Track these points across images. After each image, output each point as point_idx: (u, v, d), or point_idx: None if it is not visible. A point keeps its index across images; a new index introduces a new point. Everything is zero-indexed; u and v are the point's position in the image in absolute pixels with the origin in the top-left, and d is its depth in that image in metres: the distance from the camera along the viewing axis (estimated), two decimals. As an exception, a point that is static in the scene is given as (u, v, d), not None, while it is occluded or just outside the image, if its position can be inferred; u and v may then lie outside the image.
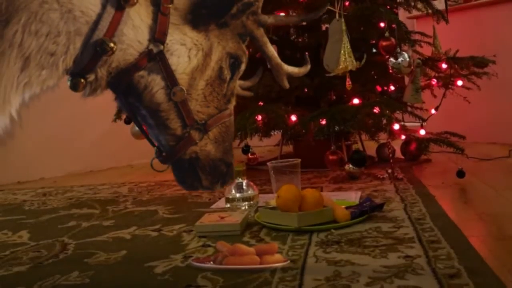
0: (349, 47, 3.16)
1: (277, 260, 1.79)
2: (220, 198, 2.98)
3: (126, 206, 3.05)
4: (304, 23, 4.32)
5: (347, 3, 3.63)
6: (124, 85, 1.53)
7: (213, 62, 1.59)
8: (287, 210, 2.24)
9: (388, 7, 4.03)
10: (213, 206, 2.83)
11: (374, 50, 3.92)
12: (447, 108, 3.98)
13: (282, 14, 1.59)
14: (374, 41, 3.92)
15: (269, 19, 1.70)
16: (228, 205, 2.68)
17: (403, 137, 3.89)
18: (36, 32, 1.40)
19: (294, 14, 4.23)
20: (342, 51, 3.13)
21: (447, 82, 4.02)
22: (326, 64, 3.21)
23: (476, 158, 3.81)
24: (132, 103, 1.57)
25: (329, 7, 3.09)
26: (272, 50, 1.72)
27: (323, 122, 3.53)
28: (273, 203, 2.36)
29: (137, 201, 3.19)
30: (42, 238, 2.38)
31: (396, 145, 3.99)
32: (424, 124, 3.97)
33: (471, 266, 1.64)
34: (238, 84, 1.75)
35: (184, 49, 1.54)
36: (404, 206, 2.52)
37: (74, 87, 1.50)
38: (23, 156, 4.28)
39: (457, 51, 4.07)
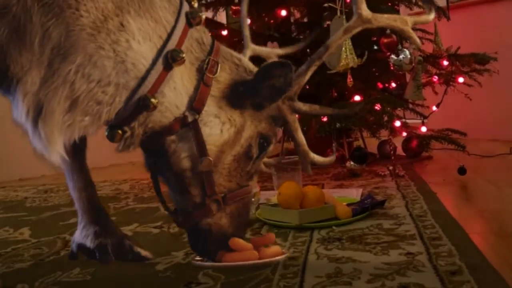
0: (350, 44, 3.15)
1: (275, 252, 1.78)
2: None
3: (128, 203, 3.05)
4: (305, 20, 4.33)
5: (348, 0, 3.62)
6: (155, 146, 1.57)
7: (244, 139, 1.61)
8: (288, 207, 2.24)
9: (389, 4, 4.03)
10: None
11: (376, 47, 3.91)
12: (448, 105, 3.98)
13: (315, 106, 1.69)
14: (375, 38, 3.92)
15: (303, 107, 1.73)
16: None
17: (404, 134, 3.90)
18: (89, 77, 1.41)
19: (296, 11, 4.23)
20: (343, 48, 3.13)
21: (448, 79, 4.01)
22: (327, 61, 3.20)
23: (477, 155, 3.80)
24: (157, 163, 1.63)
25: (330, 4, 3.09)
26: (301, 137, 1.74)
27: (325, 119, 3.53)
28: (274, 200, 2.36)
29: (138, 198, 3.19)
30: (44, 235, 2.38)
31: (398, 142, 3.99)
32: (425, 121, 3.97)
33: (472, 263, 1.64)
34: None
35: (218, 121, 1.56)
36: (406, 203, 2.51)
37: (111, 137, 1.53)
38: (25, 153, 4.27)
39: (458, 48, 4.06)
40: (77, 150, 1.87)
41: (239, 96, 1.58)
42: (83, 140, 1.87)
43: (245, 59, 1.69)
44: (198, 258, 1.72)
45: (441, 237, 1.93)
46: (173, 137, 1.54)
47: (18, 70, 1.39)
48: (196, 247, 1.70)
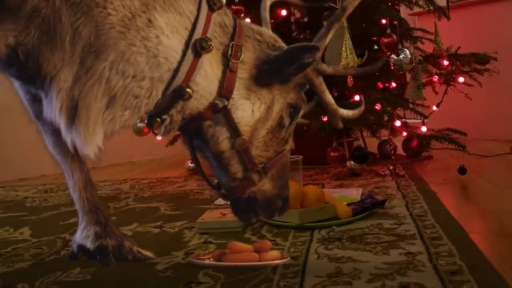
0: (350, 43, 3.15)
1: (274, 257, 1.79)
2: (221, 195, 2.98)
3: (128, 203, 3.05)
4: (306, 19, 4.33)
5: (348, 0, 3.62)
6: (194, 131, 1.62)
7: (275, 113, 1.65)
8: (289, 207, 2.23)
9: (390, 3, 4.02)
10: (215, 203, 2.83)
11: (376, 47, 3.91)
12: (448, 105, 3.98)
13: (341, 66, 1.77)
14: (375, 38, 3.92)
15: (328, 69, 1.78)
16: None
17: (404, 133, 3.89)
18: (123, 73, 1.45)
19: (296, 10, 4.23)
20: (343, 48, 3.13)
21: (448, 79, 4.01)
22: (327, 61, 3.20)
23: (477, 155, 3.80)
24: (198, 145, 1.66)
25: (330, 3, 3.09)
26: (329, 97, 1.79)
27: (325, 118, 3.52)
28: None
29: (138, 198, 3.19)
30: (44, 234, 2.38)
31: (398, 141, 3.99)
32: (426, 120, 3.97)
33: (472, 262, 1.64)
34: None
35: (248, 103, 1.60)
36: (406, 202, 2.52)
37: (150, 125, 1.59)
38: (24, 153, 4.28)
39: (458, 47, 4.06)
40: (76, 150, 1.87)
41: (266, 75, 1.62)
42: None
43: (266, 31, 1.72)
44: (196, 257, 1.72)
45: (441, 236, 1.94)
46: (209, 122, 1.58)
47: (51, 69, 1.44)
48: (238, 214, 1.75)
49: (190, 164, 4.06)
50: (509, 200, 2.60)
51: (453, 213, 2.27)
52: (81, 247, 1.89)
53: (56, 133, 1.80)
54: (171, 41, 1.49)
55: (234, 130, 1.59)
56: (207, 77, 1.55)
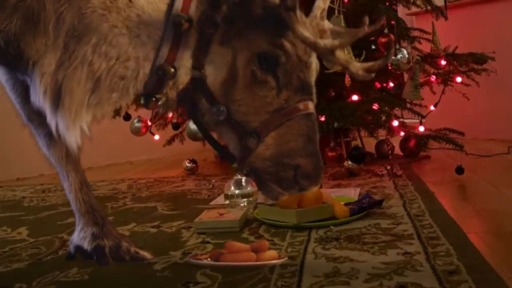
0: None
1: (272, 256, 1.79)
2: (219, 195, 2.98)
3: (125, 203, 3.05)
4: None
5: (346, 0, 3.63)
6: (189, 105, 1.59)
7: (241, 69, 1.53)
8: (286, 206, 2.24)
9: (387, 3, 4.03)
10: (212, 202, 2.83)
11: (373, 47, 3.91)
12: (446, 105, 3.98)
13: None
14: (373, 38, 3.92)
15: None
16: (227, 202, 2.68)
17: (402, 133, 3.89)
18: (106, 55, 1.46)
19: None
20: (341, 48, 3.12)
21: (446, 79, 4.02)
22: (325, 61, 3.20)
23: (475, 155, 3.81)
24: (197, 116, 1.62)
25: (329, 4, 3.09)
26: (306, 33, 1.49)
27: (322, 118, 3.53)
28: (272, 199, 2.36)
29: (136, 198, 3.19)
30: (41, 234, 2.38)
31: (395, 141, 3.99)
32: (423, 120, 3.97)
33: (470, 262, 1.64)
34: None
35: (212, 67, 1.54)
36: (403, 202, 2.52)
37: (146, 105, 1.57)
38: (22, 153, 4.27)
39: (456, 47, 4.06)
40: (70, 152, 1.88)
41: (222, 33, 1.52)
42: None
43: None
44: (194, 257, 1.72)
45: (439, 236, 1.94)
46: (198, 95, 1.55)
47: (33, 54, 1.46)
48: (262, 191, 1.63)
49: (187, 164, 4.06)
50: (507, 200, 2.60)
51: (451, 213, 2.27)
52: (78, 248, 1.90)
53: (49, 135, 1.81)
54: (153, 19, 1.48)
55: (209, 99, 1.53)
56: (189, 48, 1.52)
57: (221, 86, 1.54)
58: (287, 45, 1.52)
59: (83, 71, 1.46)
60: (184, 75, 1.53)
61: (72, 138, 1.53)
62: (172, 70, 1.49)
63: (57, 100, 1.49)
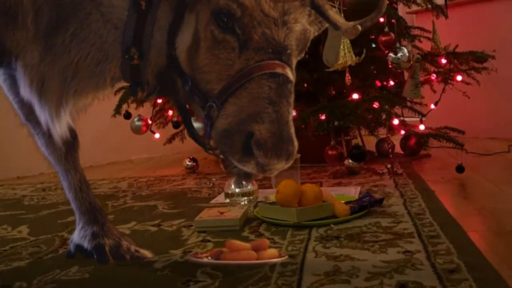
0: (348, 42, 3.15)
1: (272, 255, 1.79)
2: (219, 193, 2.98)
3: (126, 201, 3.05)
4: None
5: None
6: (169, 87, 1.53)
7: (202, 30, 1.43)
8: (287, 205, 2.24)
9: (388, 2, 4.02)
10: (213, 201, 2.83)
11: (374, 45, 3.91)
12: (446, 103, 3.98)
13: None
14: (373, 36, 3.92)
15: None
16: (228, 200, 2.68)
17: (402, 132, 3.89)
18: (82, 42, 1.47)
19: None
20: (341, 46, 3.13)
21: (446, 77, 4.01)
22: (325, 59, 3.19)
23: (475, 153, 3.80)
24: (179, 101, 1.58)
25: (330, 3, 3.09)
26: None
27: (323, 117, 3.52)
28: (272, 198, 2.36)
29: (136, 196, 3.19)
30: (42, 233, 2.38)
31: (396, 140, 3.99)
32: (424, 119, 3.97)
33: (470, 261, 1.64)
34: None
35: (182, 36, 1.47)
36: (404, 201, 2.52)
37: (133, 94, 1.53)
38: (23, 151, 4.28)
39: (456, 46, 4.06)
40: (70, 150, 1.88)
41: None
42: (75, 140, 1.88)
43: None
44: (194, 255, 1.72)
45: (439, 235, 1.94)
46: (174, 75, 1.50)
47: (14, 47, 1.46)
48: (225, 166, 1.49)
49: (188, 163, 4.06)
50: (507, 199, 2.60)
51: (451, 212, 2.27)
52: (79, 247, 1.90)
53: (47, 134, 1.80)
54: (123, 1, 1.46)
55: (179, 73, 1.47)
56: (160, 27, 1.47)
57: (187, 55, 1.46)
58: None
59: (62, 60, 1.47)
60: (157, 56, 1.49)
61: (57, 130, 1.53)
62: (135, 51, 1.46)
63: (42, 92, 1.49)
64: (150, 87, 1.55)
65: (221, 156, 1.48)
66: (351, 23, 1.46)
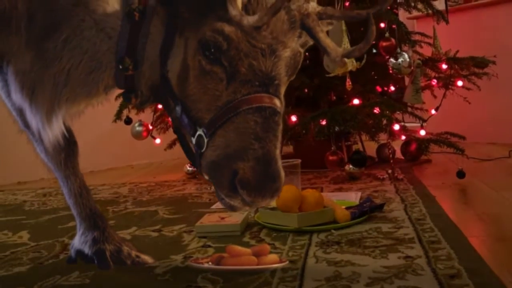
0: (349, 47, 3.15)
1: (273, 260, 1.79)
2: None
3: (126, 207, 3.05)
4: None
5: (347, 4, 3.63)
6: (166, 102, 1.52)
7: (190, 59, 1.43)
8: (287, 210, 2.24)
9: (388, 7, 4.02)
10: (213, 206, 2.83)
11: (374, 51, 3.92)
12: (447, 109, 3.98)
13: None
14: (374, 42, 3.92)
15: None
16: (228, 206, 2.67)
17: (403, 137, 3.89)
18: (74, 49, 1.46)
19: None
20: (342, 52, 3.13)
21: (447, 83, 4.02)
22: (326, 65, 3.21)
23: (476, 159, 3.81)
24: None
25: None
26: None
27: (323, 122, 3.53)
28: (273, 203, 2.36)
29: (137, 202, 3.19)
30: (42, 238, 2.38)
31: (396, 145, 3.99)
32: (424, 124, 3.97)
33: (471, 266, 1.64)
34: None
35: (172, 60, 1.47)
36: (404, 206, 2.51)
37: (126, 100, 1.55)
38: (23, 157, 4.28)
39: (457, 51, 4.07)
40: (69, 156, 1.88)
41: (181, 23, 1.43)
42: (75, 145, 1.89)
43: None
44: (195, 260, 1.72)
45: (440, 240, 1.93)
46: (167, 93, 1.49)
47: (7, 51, 1.48)
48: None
49: (189, 168, 4.06)
50: (508, 204, 2.60)
51: (452, 217, 2.27)
52: (79, 252, 1.90)
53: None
54: (115, 10, 1.47)
55: (172, 97, 1.47)
56: (154, 41, 1.47)
57: (178, 81, 1.45)
58: (228, 29, 1.37)
59: (54, 67, 1.47)
60: (150, 70, 1.49)
61: (48, 135, 1.53)
62: (129, 62, 1.46)
63: (33, 98, 1.49)
64: (143, 96, 1.55)
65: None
66: (340, 51, 1.44)
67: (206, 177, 1.49)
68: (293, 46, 1.43)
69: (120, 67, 1.47)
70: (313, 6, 1.44)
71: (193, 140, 1.45)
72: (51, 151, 1.78)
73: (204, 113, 1.42)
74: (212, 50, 1.38)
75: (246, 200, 1.38)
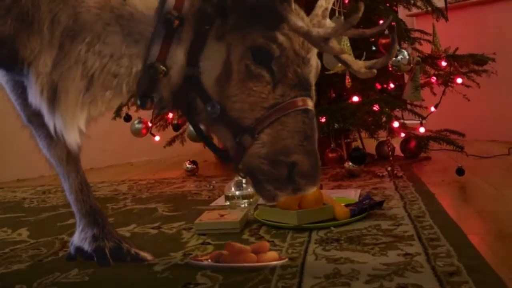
0: (348, 45, 3.15)
1: (272, 258, 1.79)
2: (219, 196, 2.98)
3: (126, 204, 3.05)
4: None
5: (346, 1, 3.63)
6: (184, 105, 1.56)
7: (235, 63, 1.49)
8: (287, 207, 2.24)
9: (388, 4, 4.03)
10: (213, 204, 2.83)
11: (374, 48, 3.91)
12: (446, 106, 3.98)
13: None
14: (373, 39, 3.92)
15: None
16: (228, 203, 2.68)
17: (402, 134, 3.89)
18: (100, 53, 1.47)
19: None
20: (341, 49, 3.12)
21: (446, 80, 4.02)
22: (325, 62, 3.20)
23: (475, 156, 3.81)
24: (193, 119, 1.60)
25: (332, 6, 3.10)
26: (298, 23, 1.43)
27: (323, 119, 3.53)
28: (272, 201, 2.36)
29: (136, 199, 3.19)
30: (42, 235, 2.38)
31: (396, 143, 3.99)
32: (424, 121, 3.97)
33: (470, 263, 1.64)
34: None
35: (208, 63, 1.51)
36: (404, 203, 2.52)
37: (142, 105, 1.56)
38: (23, 154, 4.28)
39: (456, 48, 4.07)
40: (71, 152, 1.88)
41: (218, 28, 1.49)
42: None
43: None
44: (194, 258, 1.72)
45: (440, 237, 1.94)
46: (193, 93, 1.53)
47: (28, 54, 1.47)
48: (258, 191, 1.59)
49: (188, 165, 4.06)
50: (507, 201, 2.60)
51: (451, 214, 2.27)
52: (79, 249, 1.90)
53: (49, 136, 1.81)
54: (145, 17, 1.48)
55: (203, 96, 1.51)
56: (183, 46, 1.50)
57: (216, 82, 1.50)
58: (281, 38, 1.47)
59: (77, 69, 1.47)
60: (176, 74, 1.51)
61: (71, 138, 1.53)
62: (163, 68, 1.48)
63: (53, 100, 1.49)
64: (164, 101, 1.57)
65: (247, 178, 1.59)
66: (361, 63, 1.57)
67: (242, 174, 1.58)
68: (315, 56, 1.57)
69: (151, 71, 1.49)
70: (329, 23, 1.58)
71: (234, 139, 1.52)
72: (76, 151, 1.78)
73: (247, 113, 1.50)
74: (263, 56, 1.48)
75: (302, 188, 1.51)
